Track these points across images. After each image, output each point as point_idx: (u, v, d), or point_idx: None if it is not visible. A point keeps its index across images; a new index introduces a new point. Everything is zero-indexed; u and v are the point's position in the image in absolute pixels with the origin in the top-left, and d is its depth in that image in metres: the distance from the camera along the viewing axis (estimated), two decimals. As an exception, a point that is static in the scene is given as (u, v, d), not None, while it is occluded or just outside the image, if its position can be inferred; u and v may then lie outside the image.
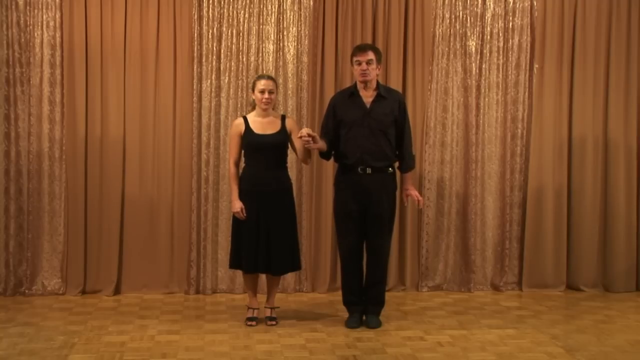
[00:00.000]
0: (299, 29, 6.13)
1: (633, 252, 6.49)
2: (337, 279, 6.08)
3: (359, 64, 5.09)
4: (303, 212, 6.13)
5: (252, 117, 5.21)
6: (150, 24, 5.97)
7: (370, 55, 5.08)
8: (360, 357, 4.54)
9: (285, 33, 6.12)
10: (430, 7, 6.24)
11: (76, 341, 4.75)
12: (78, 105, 5.93)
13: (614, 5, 6.40)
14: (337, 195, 5.30)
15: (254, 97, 5.19)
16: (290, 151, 5.29)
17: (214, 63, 6.05)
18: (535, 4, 6.32)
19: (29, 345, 4.67)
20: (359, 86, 5.18)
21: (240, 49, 6.08)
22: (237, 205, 5.13)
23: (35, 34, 5.86)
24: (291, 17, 6.12)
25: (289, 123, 5.24)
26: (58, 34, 5.88)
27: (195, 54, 6.03)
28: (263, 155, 5.14)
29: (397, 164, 5.28)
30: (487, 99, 6.34)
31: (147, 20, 5.97)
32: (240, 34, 6.08)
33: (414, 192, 5.30)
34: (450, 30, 6.27)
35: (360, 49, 5.15)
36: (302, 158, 5.24)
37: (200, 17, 6.03)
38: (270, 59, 6.10)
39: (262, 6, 6.08)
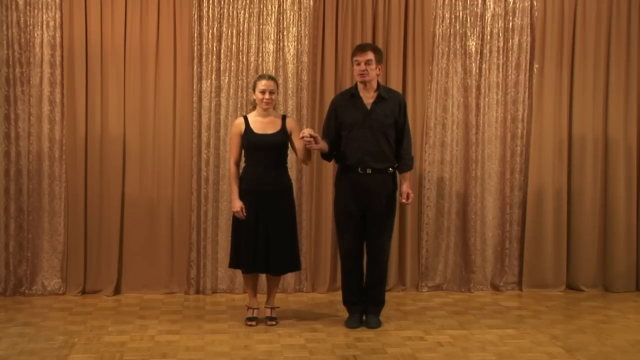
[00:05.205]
0: (299, 29, 6.13)
1: (633, 252, 6.49)
2: (337, 279, 6.08)
3: (358, 64, 5.08)
4: (303, 212, 6.13)
5: (252, 117, 5.21)
6: (150, 23, 5.97)
7: (370, 56, 5.06)
8: (360, 357, 4.54)
9: (285, 33, 6.12)
10: (430, 7, 6.24)
11: (76, 341, 4.75)
12: (78, 105, 5.93)
13: (614, 5, 6.40)
14: (337, 195, 5.30)
15: (254, 97, 5.18)
16: (290, 151, 5.29)
17: (214, 63, 6.05)
18: (535, 4, 6.32)
19: (29, 345, 4.66)
20: (360, 87, 5.17)
21: (240, 49, 6.08)
22: (237, 205, 5.13)
23: (35, 34, 5.86)
24: (291, 17, 6.11)
25: (290, 123, 5.23)
26: (58, 34, 5.88)
27: (195, 54, 6.03)
28: (263, 155, 5.14)
29: (396, 165, 5.28)
30: (487, 99, 6.34)
31: (147, 20, 5.97)
32: (240, 34, 6.08)
33: (408, 190, 5.23)
34: (450, 30, 6.27)
35: (360, 49, 5.13)
36: (302, 158, 5.24)
37: (200, 17, 6.03)
38: (270, 59, 6.10)
39: (262, 6, 6.08)
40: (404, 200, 5.25)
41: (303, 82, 6.15)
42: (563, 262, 6.44)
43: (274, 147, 5.15)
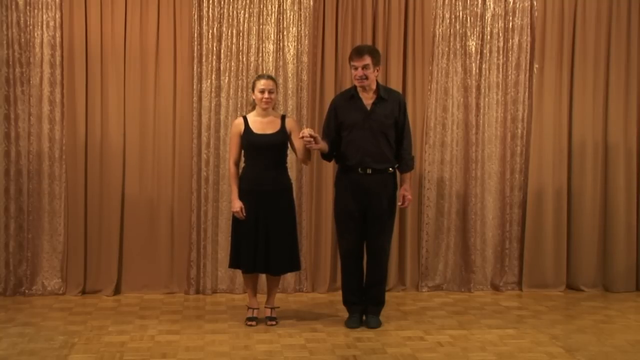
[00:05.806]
0: (299, 29, 6.13)
1: (633, 252, 6.49)
2: (337, 279, 6.08)
3: (355, 68, 5.05)
4: (303, 212, 6.13)
5: (252, 117, 5.21)
6: (150, 24, 5.97)
7: (367, 60, 5.03)
8: (360, 357, 4.54)
9: (285, 33, 6.12)
10: (430, 7, 6.24)
11: (76, 341, 4.75)
12: (78, 105, 5.93)
13: (614, 5, 6.39)
14: (338, 195, 5.30)
15: (254, 96, 5.19)
16: (290, 151, 5.29)
17: (214, 63, 6.05)
18: (535, 4, 6.32)
19: (29, 345, 4.67)
20: (359, 88, 5.16)
21: (240, 49, 6.08)
22: (237, 205, 5.13)
23: (35, 34, 5.86)
24: (291, 17, 6.11)
25: (289, 123, 5.23)
26: (58, 34, 5.88)
27: (195, 54, 6.03)
28: (263, 155, 5.14)
29: (397, 165, 5.28)
30: (487, 99, 6.34)
31: (147, 20, 5.97)
32: (240, 34, 6.08)
33: (405, 193, 5.25)
34: (450, 30, 6.27)
35: (357, 53, 5.08)
36: (302, 158, 5.24)
37: (200, 17, 6.03)
38: (270, 59, 6.10)
39: (262, 6, 6.08)
40: (399, 204, 5.26)
41: (303, 82, 6.15)
42: (563, 262, 6.44)
43: (274, 147, 5.15)
